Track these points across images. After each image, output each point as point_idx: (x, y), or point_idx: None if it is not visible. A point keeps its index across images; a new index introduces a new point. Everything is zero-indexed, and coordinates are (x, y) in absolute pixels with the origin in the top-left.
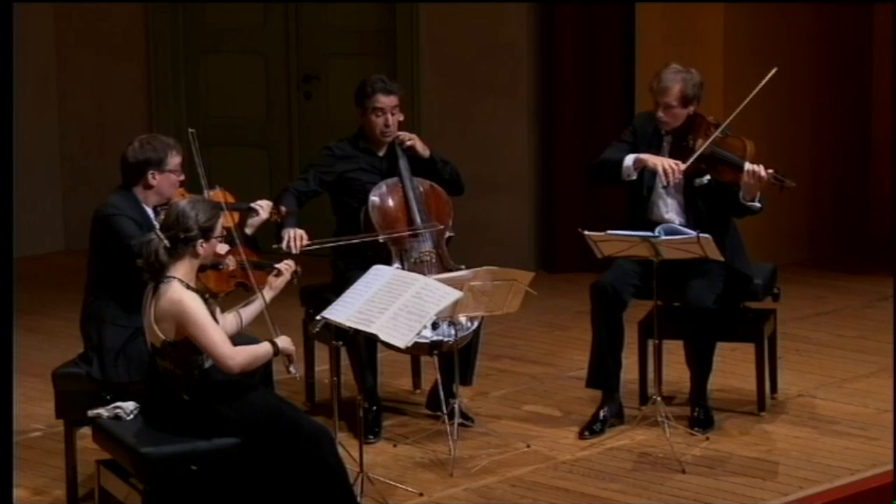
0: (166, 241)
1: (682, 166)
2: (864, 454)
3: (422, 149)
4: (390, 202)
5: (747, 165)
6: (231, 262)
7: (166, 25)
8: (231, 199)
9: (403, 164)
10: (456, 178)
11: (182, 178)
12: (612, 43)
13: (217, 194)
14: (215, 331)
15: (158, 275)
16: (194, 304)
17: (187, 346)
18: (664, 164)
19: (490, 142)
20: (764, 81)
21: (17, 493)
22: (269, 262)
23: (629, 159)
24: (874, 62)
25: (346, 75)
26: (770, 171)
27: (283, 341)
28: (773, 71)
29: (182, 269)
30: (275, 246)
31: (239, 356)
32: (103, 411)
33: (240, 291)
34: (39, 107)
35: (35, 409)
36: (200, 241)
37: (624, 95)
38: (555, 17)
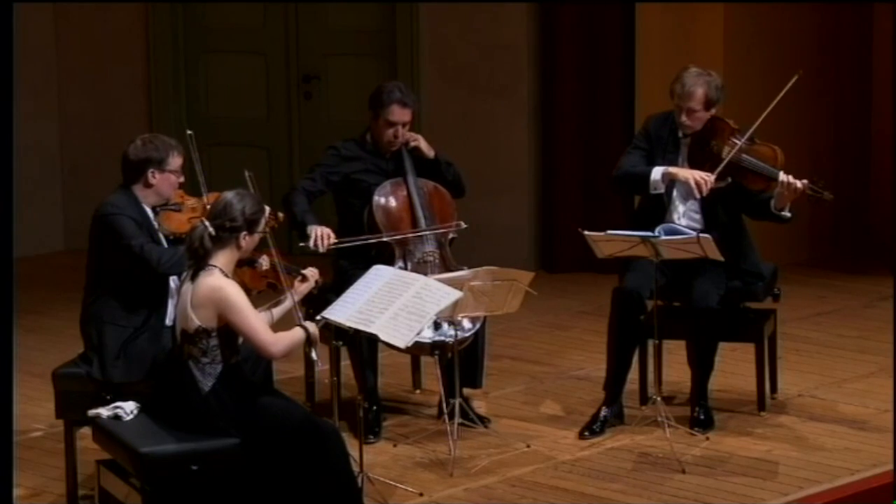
0: (211, 230)
1: (713, 177)
2: (864, 454)
3: (426, 149)
4: (394, 202)
5: (782, 176)
6: (265, 262)
7: (166, 25)
8: None
9: (409, 165)
10: (458, 180)
11: (182, 179)
12: (612, 43)
13: (213, 198)
14: (257, 318)
15: (201, 261)
16: (236, 291)
17: (223, 335)
18: (695, 177)
19: (490, 142)
20: (787, 87)
21: (17, 492)
22: (297, 268)
23: (657, 173)
24: (874, 62)
25: (346, 75)
26: (805, 182)
27: (311, 326)
28: (796, 77)
29: (223, 260)
30: (301, 244)
31: (281, 342)
32: (103, 411)
33: (267, 291)
34: (39, 107)
35: (35, 409)
36: (244, 233)
37: (624, 95)
38: (555, 17)
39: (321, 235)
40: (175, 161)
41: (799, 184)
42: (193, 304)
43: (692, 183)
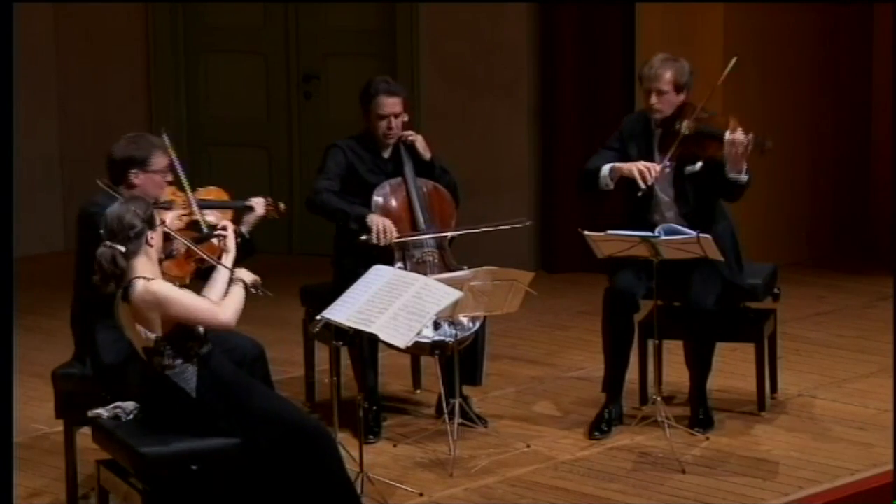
0: (120, 248)
1: (657, 166)
2: (864, 454)
3: (423, 149)
4: (394, 202)
5: (727, 135)
6: (180, 247)
7: (166, 25)
8: (226, 197)
9: (408, 165)
10: (453, 189)
11: (169, 178)
12: (612, 43)
13: (211, 192)
14: (194, 298)
15: (121, 281)
16: (164, 285)
17: (180, 333)
18: (637, 167)
19: (490, 142)
20: (728, 69)
21: (17, 492)
22: (207, 231)
23: (605, 169)
24: (874, 62)
25: (346, 75)
26: (750, 135)
27: (243, 273)
28: (734, 60)
29: (142, 267)
30: (363, 238)
31: (226, 308)
32: (103, 411)
33: (200, 271)
34: (39, 107)
35: (35, 409)
36: (149, 232)
37: (624, 95)
38: (555, 17)
39: (383, 229)
40: (160, 161)
41: (741, 135)
42: (138, 320)
43: (635, 173)
